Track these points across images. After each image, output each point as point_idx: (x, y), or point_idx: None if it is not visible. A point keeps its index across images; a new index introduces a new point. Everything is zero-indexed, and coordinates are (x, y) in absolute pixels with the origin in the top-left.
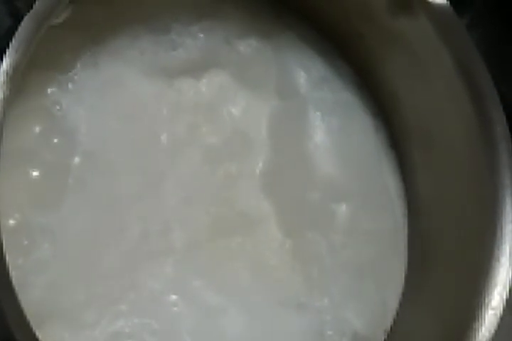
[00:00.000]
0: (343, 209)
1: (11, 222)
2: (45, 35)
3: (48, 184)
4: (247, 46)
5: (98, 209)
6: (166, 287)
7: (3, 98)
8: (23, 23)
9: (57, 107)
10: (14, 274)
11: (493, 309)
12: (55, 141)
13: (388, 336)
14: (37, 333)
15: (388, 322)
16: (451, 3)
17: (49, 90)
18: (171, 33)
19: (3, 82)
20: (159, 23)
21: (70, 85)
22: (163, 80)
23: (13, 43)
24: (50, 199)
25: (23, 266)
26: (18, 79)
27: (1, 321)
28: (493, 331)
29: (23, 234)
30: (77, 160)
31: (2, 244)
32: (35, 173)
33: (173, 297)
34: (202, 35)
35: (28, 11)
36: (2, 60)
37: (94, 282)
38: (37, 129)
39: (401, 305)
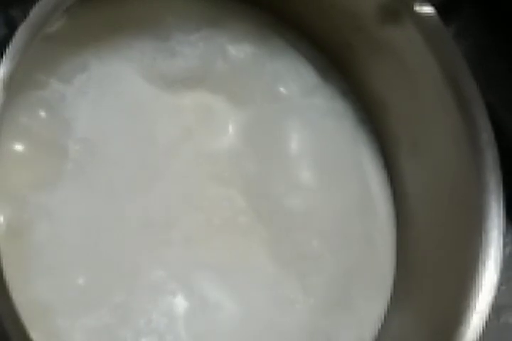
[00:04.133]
0: (329, 212)
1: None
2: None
3: (46, 167)
4: (244, 54)
5: (97, 196)
6: (165, 276)
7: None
8: (17, 32)
9: (60, 98)
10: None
11: (479, 312)
12: (56, 126)
13: (376, 339)
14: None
15: (376, 326)
16: (437, 13)
17: (52, 83)
18: (171, 40)
19: (0, 90)
20: (160, 30)
21: (72, 79)
22: (160, 85)
23: (9, 52)
24: (47, 182)
25: (20, 249)
26: (14, 86)
27: None
28: (479, 334)
29: (19, 214)
30: (76, 147)
31: None
32: (33, 156)
33: (172, 286)
34: (201, 44)
35: (23, 20)
36: None
37: (93, 268)
38: (38, 115)
39: (389, 308)
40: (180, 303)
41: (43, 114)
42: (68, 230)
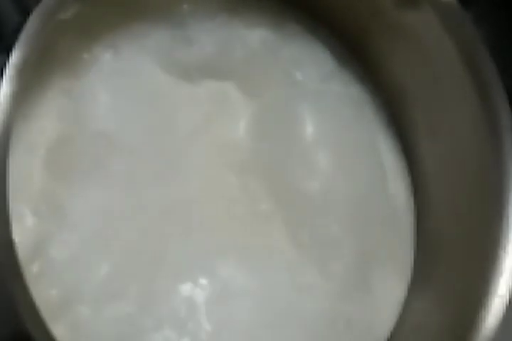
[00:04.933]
0: (348, 197)
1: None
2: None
3: (61, 158)
4: (260, 40)
5: (116, 186)
6: (186, 263)
7: (13, 92)
8: (31, 18)
9: (75, 88)
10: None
11: (500, 297)
12: (73, 116)
13: (397, 324)
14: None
15: (396, 310)
16: None
17: (67, 73)
18: (187, 28)
19: (13, 76)
20: (176, 18)
21: (88, 68)
22: (177, 74)
23: (22, 38)
24: (66, 172)
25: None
26: (27, 73)
27: (13, 313)
28: (500, 318)
29: (38, 207)
30: (94, 138)
31: (12, 233)
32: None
33: (193, 274)
34: (217, 31)
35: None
36: (12, 55)
37: (114, 257)
38: (55, 106)
39: (409, 293)
40: (202, 291)
41: (59, 105)
42: (88, 220)
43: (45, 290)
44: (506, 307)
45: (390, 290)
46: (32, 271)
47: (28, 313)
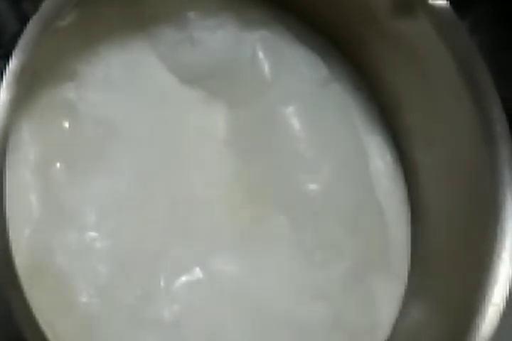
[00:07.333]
0: (345, 201)
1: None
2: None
3: (69, 149)
4: (257, 43)
5: (121, 179)
6: (186, 260)
7: (11, 99)
8: (29, 25)
9: (79, 89)
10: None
11: (495, 305)
12: (76, 113)
13: (393, 330)
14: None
15: (393, 315)
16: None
17: (70, 74)
18: (189, 28)
19: (11, 83)
20: (178, 18)
21: (90, 69)
22: (178, 73)
23: (20, 45)
24: (70, 162)
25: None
26: (26, 79)
27: (10, 320)
28: (495, 326)
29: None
30: (97, 130)
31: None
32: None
33: (193, 271)
34: (218, 30)
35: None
36: (10, 61)
37: (118, 249)
38: (59, 105)
39: (406, 299)
40: (200, 287)
41: (63, 103)
42: (89, 212)
43: (47, 286)
44: (501, 315)
45: (388, 295)
46: (33, 266)
47: (25, 321)
